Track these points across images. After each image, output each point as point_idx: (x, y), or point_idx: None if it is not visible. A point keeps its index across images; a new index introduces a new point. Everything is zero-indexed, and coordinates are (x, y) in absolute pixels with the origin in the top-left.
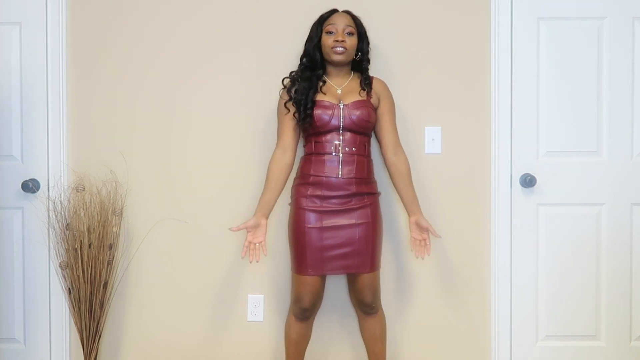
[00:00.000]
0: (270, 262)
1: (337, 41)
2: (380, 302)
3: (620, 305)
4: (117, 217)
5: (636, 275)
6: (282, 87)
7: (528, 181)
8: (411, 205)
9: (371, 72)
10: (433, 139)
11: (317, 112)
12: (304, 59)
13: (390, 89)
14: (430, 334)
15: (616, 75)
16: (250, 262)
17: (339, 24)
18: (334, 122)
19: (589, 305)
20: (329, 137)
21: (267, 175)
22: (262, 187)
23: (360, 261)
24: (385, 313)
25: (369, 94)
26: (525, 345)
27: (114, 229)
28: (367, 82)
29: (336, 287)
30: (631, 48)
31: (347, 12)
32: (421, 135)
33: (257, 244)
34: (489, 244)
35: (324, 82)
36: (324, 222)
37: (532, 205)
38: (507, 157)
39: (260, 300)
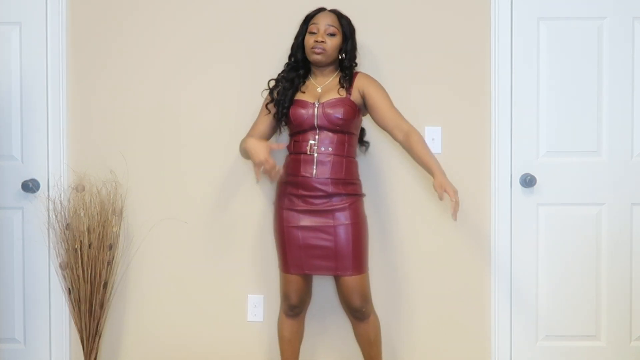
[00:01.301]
0: (269, 262)
1: (316, 41)
2: (371, 306)
3: (620, 305)
4: (117, 217)
5: (636, 275)
6: (268, 88)
7: (528, 181)
8: (428, 166)
9: (370, 72)
10: (433, 139)
11: (294, 110)
12: (291, 59)
13: (388, 88)
14: (429, 334)
15: (616, 75)
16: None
17: (321, 23)
18: (309, 120)
19: (589, 305)
20: (306, 136)
21: (243, 144)
22: (262, 187)
23: (340, 264)
24: (382, 314)
25: (348, 92)
26: (525, 345)
27: (114, 229)
28: (346, 79)
29: (328, 287)
30: (631, 48)
31: (334, 12)
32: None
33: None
34: (489, 243)
35: (305, 81)
36: (302, 222)
37: (532, 205)
38: (507, 157)
39: (260, 300)
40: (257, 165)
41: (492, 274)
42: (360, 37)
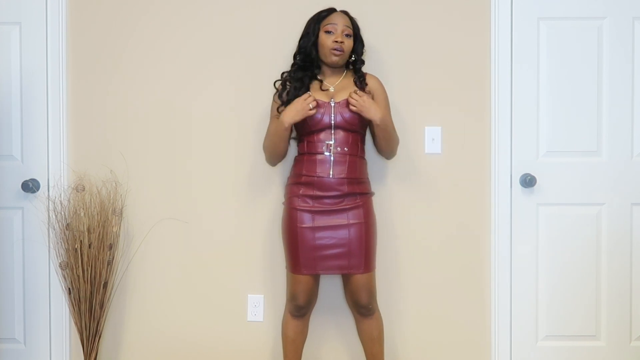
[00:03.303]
0: (269, 262)
1: (336, 42)
2: (376, 303)
3: (620, 305)
4: (117, 217)
5: (636, 275)
6: (275, 89)
7: (528, 181)
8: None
9: (371, 72)
10: (433, 139)
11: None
12: (298, 57)
13: (388, 88)
14: (430, 334)
15: (616, 75)
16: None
17: (339, 24)
18: (326, 120)
19: (589, 305)
20: (321, 136)
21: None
22: (262, 187)
23: (353, 262)
24: (384, 314)
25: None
26: (525, 345)
27: (114, 229)
28: (361, 81)
29: (332, 287)
30: (631, 48)
31: (345, 13)
32: (421, 135)
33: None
34: (489, 244)
35: (320, 81)
36: (316, 222)
37: (532, 205)
38: (507, 157)
39: (260, 300)
40: (304, 108)
41: (492, 273)
42: (362, 37)
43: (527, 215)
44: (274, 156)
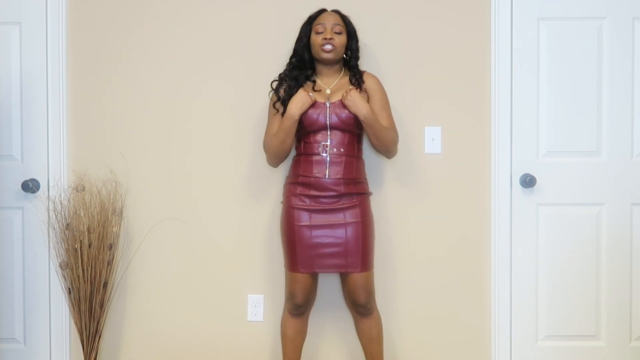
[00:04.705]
0: (270, 262)
1: (325, 39)
2: (375, 302)
3: (620, 305)
4: (117, 217)
5: (636, 275)
6: (271, 89)
7: (528, 181)
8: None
9: (371, 72)
10: (433, 139)
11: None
12: (293, 59)
13: (388, 88)
14: (429, 334)
15: (616, 75)
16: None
17: (328, 22)
18: (321, 121)
19: (589, 305)
20: (317, 137)
21: (269, 146)
22: (262, 186)
23: (350, 261)
24: (383, 313)
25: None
26: (525, 345)
27: (114, 229)
28: (357, 79)
29: (332, 286)
30: (631, 48)
31: (336, 11)
32: (421, 135)
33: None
34: (489, 244)
35: (314, 81)
36: (313, 220)
37: (532, 205)
38: (507, 157)
39: (260, 300)
40: (307, 97)
41: (492, 273)
42: (360, 37)
43: (527, 216)
44: (280, 154)
